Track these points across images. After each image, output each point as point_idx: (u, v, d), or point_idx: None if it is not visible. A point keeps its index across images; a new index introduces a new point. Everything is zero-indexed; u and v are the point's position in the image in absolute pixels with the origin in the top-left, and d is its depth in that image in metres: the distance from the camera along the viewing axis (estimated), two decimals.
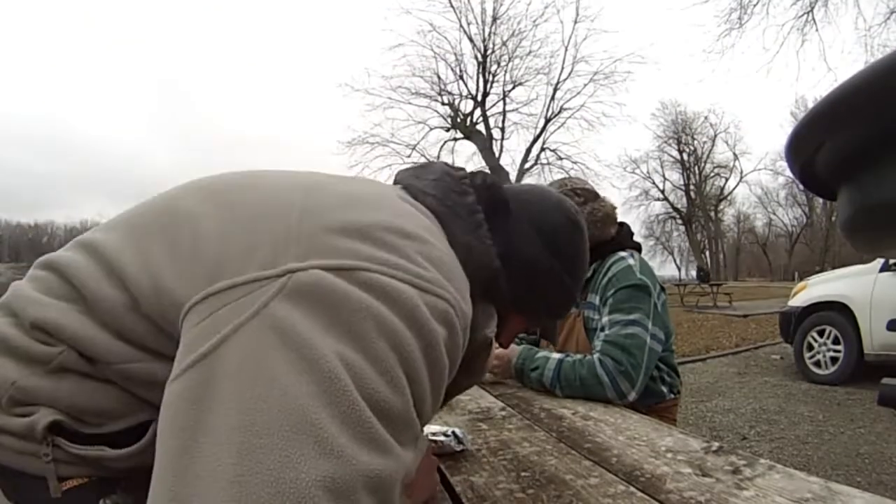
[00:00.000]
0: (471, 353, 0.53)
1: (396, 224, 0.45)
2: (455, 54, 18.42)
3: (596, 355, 1.23)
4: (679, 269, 36.96)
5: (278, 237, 0.41)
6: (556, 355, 1.28)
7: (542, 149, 19.59)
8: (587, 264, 0.75)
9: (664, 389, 1.42)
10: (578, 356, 1.26)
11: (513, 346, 1.39)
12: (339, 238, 0.41)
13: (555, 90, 18.82)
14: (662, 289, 1.40)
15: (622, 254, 1.40)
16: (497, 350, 1.38)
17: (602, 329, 1.30)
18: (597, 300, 1.38)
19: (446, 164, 0.64)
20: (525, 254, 0.64)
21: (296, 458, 0.32)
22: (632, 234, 1.51)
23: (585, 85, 18.68)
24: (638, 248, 1.48)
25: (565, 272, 0.68)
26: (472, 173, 0.64)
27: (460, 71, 18.67)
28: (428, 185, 0.57)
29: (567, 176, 1.72)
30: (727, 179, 33.07)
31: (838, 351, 4.46)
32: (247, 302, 0.37)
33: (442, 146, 18.99)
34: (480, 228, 0.56)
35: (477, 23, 18.07)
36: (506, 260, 0.58)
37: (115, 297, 0.43)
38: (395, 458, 0.37)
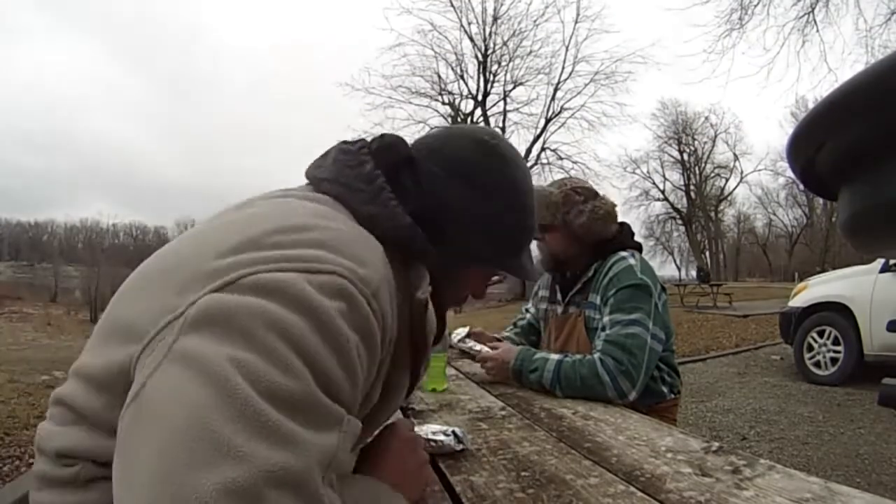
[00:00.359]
0: (414, 317, 0.54)
1: (282, 224, 0.47)
2: (455, 54, 18.48)
3: (597, 355, 1.23)
4: (679, 270, 36.95)
5: (181, 286, 0.44)
6: (555, 356, 1.27)
7: (543, 149, 19.64)
8: (526, 184, 0.69)
9: (664, 389, 1.42)
10: (578, 356, 1.26)
11: (510, 347, 1.38)
12: (225, 259, 0.44)
13: (555, 90, 18.87)
14: (663, 289, 1.40)
15: (623, 254, 1.41)
16: (493, 352, 1.37)
17: (603, 329, 1.30)
18: (598, 300, 1.38)
19: (344, 142, 0.63)
20: (443, 199, 0.61)
21: (197, 468, 0.33)
22: (633, 234, 1.51)
23: (586, 85, 18.75)
24: (639, 248, 1.48)
25: (496, 202, 0.64)
26: (370, 140, 0.63)
27: (461, 70, 18.73)
28: (324, 170, 0.59)
29: (567, 176, 1.73)
30: (727, 180, 33.05)
31: (838, 351, 4.46)
32: (161, 346, 0.40)
33: None
34: (382, 193, 0.56)
35: (477, 22, 18.12)
36: (424, 213, 0.58)
37: (101, 403, 0.47)
38: (303, 446, 0.37)
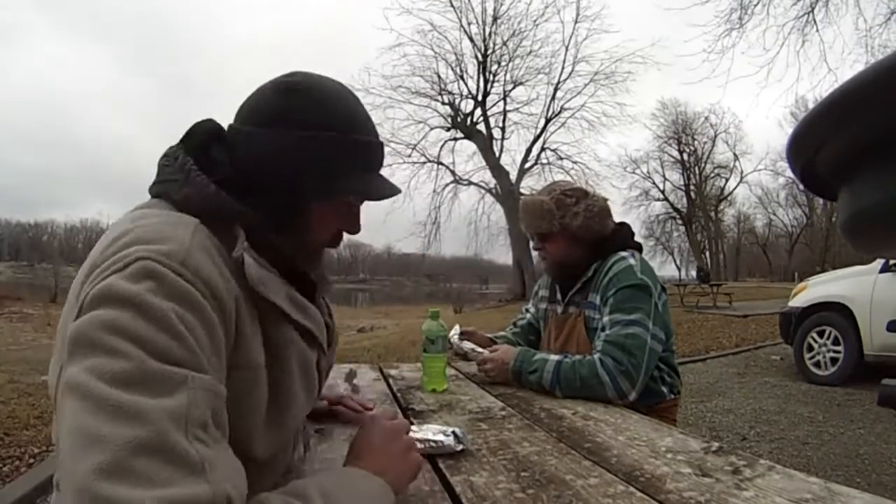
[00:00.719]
0: (242, 275, 0.58)
1: (111, 237, 0.54)
2: (455, 54, 18.47)
3: (596, 355, 1.23)
4: (679, 270, 36.95)
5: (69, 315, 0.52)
6: (555, 356, 1.27)
7: (543, 149, 19.64)
8: (338, 108, 0.67)
9: (664, 390, 1.42)
10: (578, 357, 1.26)
11: (509, 348, 1.38)
12: (83, 285, 0.52)
13: (555, 90, 18.86)
14: (663, 289, 1.40)
15: (623, 254, 1.41)
16: (492, 354, 1.37)
17: (603, 329, 1.30)
18: (598, 300, 1.38)
19: (169, 147, 0.66)
20: (254, 153, 0.64)
21: (77, 461, 0.40)
22: (633, 234, 1.51)
23: (586, 85, 18.73)
24: (639, 248, 1.48)
25: (304, 134, 0.64)
26: (185, 134, 0.66)
27: (461, 70, 18.72)
28: (155, 179, 0.64)
29: (555, 181, 1.73)
30: (727, 180, 33.07)
31: (838, 352, 4.46)
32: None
33: (442, 146, 19.04)
34: (190, 174, 0.60)
35: (477, 22, 18.10)
36: (240, 174, 0.63)
37: None
38: (149, 414, 0.42)
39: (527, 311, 1.76)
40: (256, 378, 0.59)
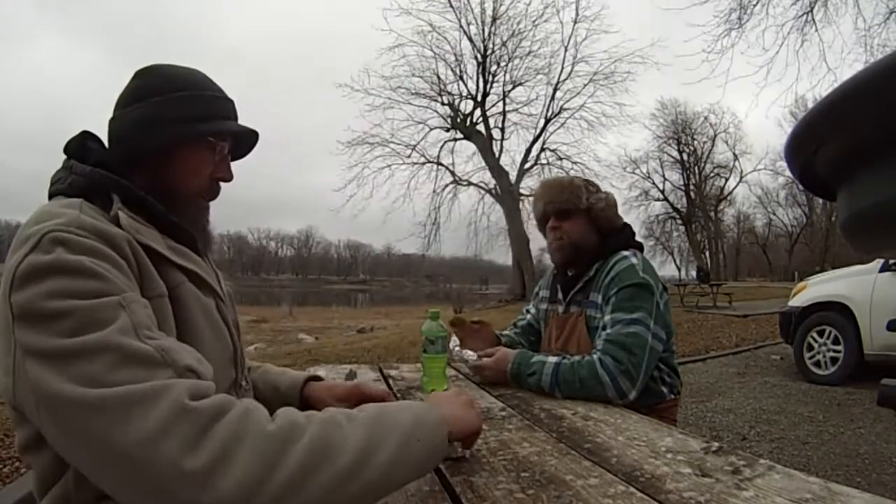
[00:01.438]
0: (121, 229, 0.65)
1: (16, 239, 0.62)
2: (455, 54, 18.46)
3: (596, 355, 1.23)
4: (679, 270, 36.98)
5: None
6: (553, 358, 1.27)
7: (542, 149, 19.62)
8: (188, 75, 0.80)
9: (664, 390, 1.42)
10: (576, 357, 1.26)
11: (507, 351, 1.37)
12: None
13: (555, 90, 18.85)
14: (665, 288, 1.40)
15: (625, 253, 1.41)
16: (489, 360, 1.36)
17: (604, 328, 1.30)
18: (599, 299, 1.38)
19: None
20: (121, 128, 0.76)
21: (56, 389, 0.50)
22: (633, 233, 1.52)
23: (585, 85, 18.72)
24: (640, 247, 1.48)
25: (162, 94, 0.76)
26: (63, 147, 0.77)
27: (460, 71, 18.70)
28: (49, 188, 0.74)
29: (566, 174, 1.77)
30: (727, 179, 33.07)
31: (838, 351, 4.46)
32: None
33: (442, 146, 19.03)
34: (72, 166, 0.72)
35: (477, 23, 18.09)
36: (116, 150, 0.75)
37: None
38: (107, 341, 0.52)
39: (527, 311, 1.76)
40: (161, 307, 0.66)
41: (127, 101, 0.77)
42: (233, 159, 0.88)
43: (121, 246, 0.62)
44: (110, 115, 0.78)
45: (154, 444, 0.47)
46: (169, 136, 0.76)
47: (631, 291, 1.30)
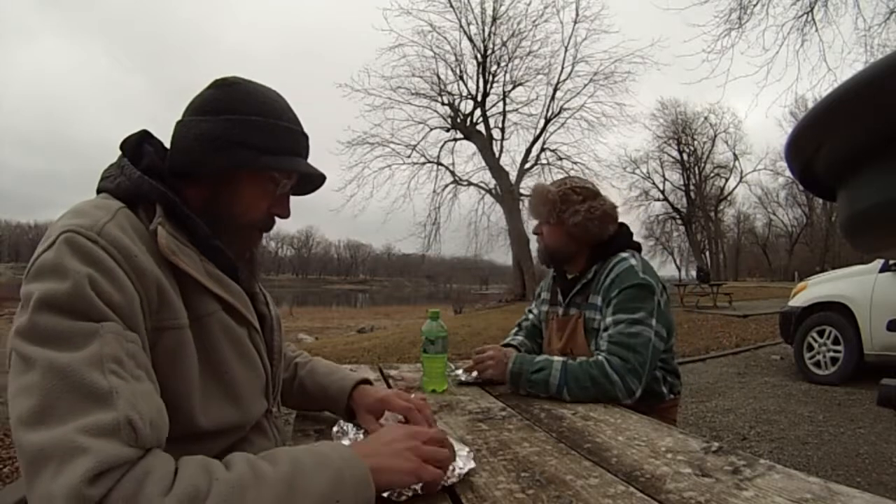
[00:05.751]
0: (157, 246, 0.64)
1: (65, 213, 0.63)
2: (455, 54, 18.43)
3: (602, 356, 1.23)
4: (679, 270, 36.94)
5: None
6: (559, 357, 1.26)
7: (542, 149, 19.60)
8: (268, 98, 0.76)
9: (664, 390, 1.42)
10: (581, 359, 1.25)
11: (509, 350, 1.38)
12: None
13: (555, 90, 18.83)
14: (664, 288, 1.40)
15: (624, 254, 1.41)
16: (492, 352, 1.36)
17: (605, 329, 1.30)
18: (599, 301, 1.38)
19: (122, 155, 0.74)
20: (188, 136, 0.72)
21: (12, 408, 0.52)
22: (631, 234, 1.51)
23: (585, 85, 18.69)
24: (638, 248, 1.48)
25: (239, 114, 0.72)
26: (120, 144, 0.74)
27: (460, 71, 18.68)
28: (99, 181, 0.73)
29: (569, 176, 1.74)
30: (727, 180, 33.04)
31: (838, 351, 4.45)
32: None
33: (442, 146, 19.01)
34: (124, 167, 0.70)
35: (477, 23, 18.08)
36: (172, 160, 0.72)
37: None
38: (70, 363, 0.51)
39: (530, 312, 1.76)
40: (182, 338, 0.64)
41: (198, 110, 0.74)
42: (293, 194, 0.84)
43: (137, 266, 0.60)
44: (178, 117, 0.75)
45: None
46: (232, 161, 0.72)
47: (632, 292, 1.30)
